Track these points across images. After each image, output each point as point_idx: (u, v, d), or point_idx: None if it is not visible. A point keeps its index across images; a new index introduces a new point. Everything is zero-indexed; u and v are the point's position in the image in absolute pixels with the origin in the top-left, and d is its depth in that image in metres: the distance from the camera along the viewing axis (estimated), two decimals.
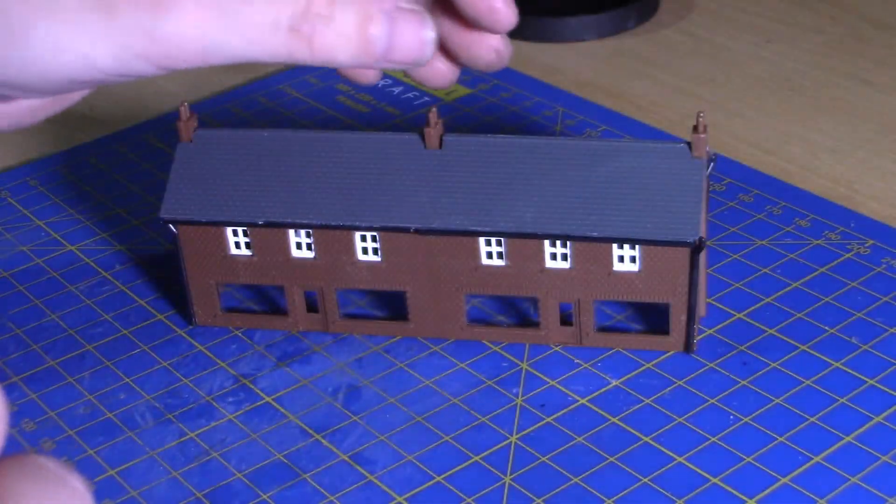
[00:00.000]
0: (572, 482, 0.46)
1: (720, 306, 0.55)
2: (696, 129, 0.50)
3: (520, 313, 0.55)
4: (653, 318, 0.54)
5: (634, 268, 0.51)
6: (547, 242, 0.51)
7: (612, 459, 0.47)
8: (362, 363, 0.53)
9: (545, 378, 0.52)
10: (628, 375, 0.51)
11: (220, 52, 0.45)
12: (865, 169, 0.65)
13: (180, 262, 0.55)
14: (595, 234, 0.50)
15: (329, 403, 0.51)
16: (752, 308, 0.55)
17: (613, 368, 0.52)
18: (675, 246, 0.50)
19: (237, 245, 0.54)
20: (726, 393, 0.50)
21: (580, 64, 0.78)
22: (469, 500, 0.46)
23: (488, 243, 0.52)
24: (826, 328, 0.53)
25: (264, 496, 0.47)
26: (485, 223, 0.51)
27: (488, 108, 0.72)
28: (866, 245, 0.58)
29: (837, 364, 0.51)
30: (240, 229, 0.54)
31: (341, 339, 0.55)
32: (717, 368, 0.51)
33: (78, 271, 0.61)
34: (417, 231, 0.51)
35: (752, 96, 0.73)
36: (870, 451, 0.47)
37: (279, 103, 0.73)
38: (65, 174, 0.69)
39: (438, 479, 0.47)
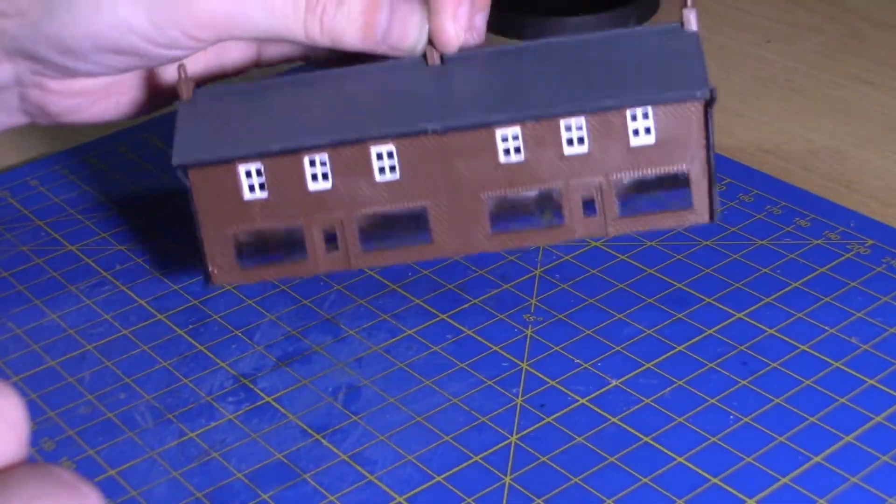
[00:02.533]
0: (572, 482, 0.46)
1: (720, 306, 0.55)
2: (684, 3, 0.52)
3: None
4: (673, 199, 0.53)
5: (651, 140, 0.51)
6: (563, 126, 0.51)
7: (612, 459, 0.47)
8: (362, 363, 0.53)
9: (545, 378, 0.52)
10: (628, 375, 0.51)
11: (248, 24, 0.51)
12: (865, 169, 0.65)
13: (193, 217, 0.53)
14: (610, 104, 0.50)
15: (329, 403, 0.51)
16: (752, 308, 0.55)
17: (613, 368, 0.52)
18: (688, 102, 0.50)
19: (251, 188, 0.53)
20: (726, 393, 0.50)
21: None
22: (469, 500, 0.46)
23: (505, 139, 0.51)
24: (826, 328, 0.53)
25: (264, 496, 0.47)
26: (501, 110, 0.51)
27: None
28: (866, 245, 0.58)
29: (837, 364, 0.51)
30: (253, 169, 0.52)
31: (341, 339, 0.55)
32: (717, 368, 0.51)
33: (78, 271, 0.61)
34: (435, 132, 0.51)
35: (752, 96, 0.73)
36: (870, 451, 0.47)
37: None
38: (65, 174, 0.69)
39: (438, 479, 0.47)
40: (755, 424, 0.48)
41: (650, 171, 0.52)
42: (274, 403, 0.52)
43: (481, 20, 0.53)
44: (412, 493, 0.47)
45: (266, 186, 0.52)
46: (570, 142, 0.51)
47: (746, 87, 0.74)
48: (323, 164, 0.52)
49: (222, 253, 0.53)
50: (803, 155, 0.67)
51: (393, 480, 0.47)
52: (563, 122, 0.51)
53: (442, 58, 0.53)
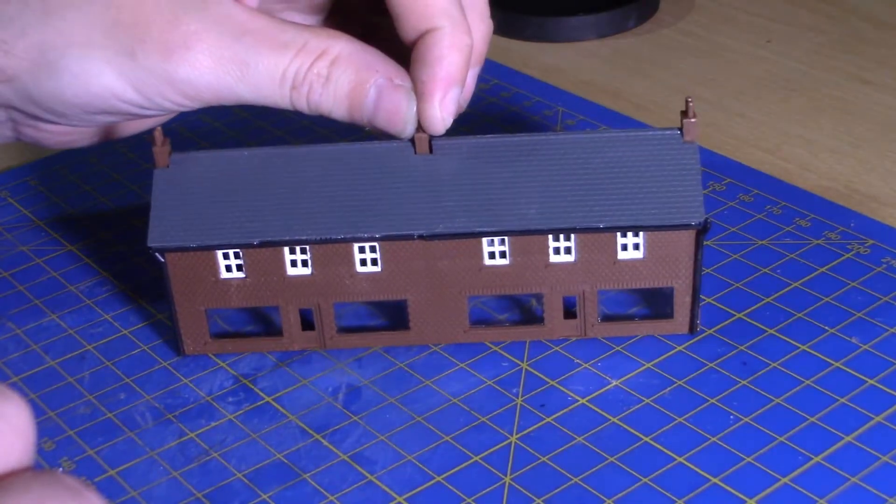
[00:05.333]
0: (572, 482, 0.46)
1: (720, 306, 0.55)
2: (685, 114, 0.51)
3: (521, 307, 0.55)
4: (655, 303, 0.54)
5: (639, 255, 0.51)
6: (551, 237, 0.51)
7: (612, 459, 0.47)
8: (362, 363, 0.53)
9: (545, 378, 0.52)
10: (628, 375, 0.51)
11: (232, 96, 0.50)
12: (865, 169, 0.65)
13: (167, 292, 0.53)
14: (602, 225, 0.50)
15: (329, 403, 0.51)
16: (752, 308, 0.55)
17: (613, 368, 0.52)
18: (682, 229, 0.50)
19: (228, 268, 0.52)
20: (726, 393, 0.50)
21: (580, 64, 0.78)
22: (469, 500, 0.46)
23: (491, 243, 0.51)
24: (826, 328, 0.53)
25: (264, 496, 0.47)
26: (490, 223, 0.50)
27: (488, 108, 0.72)
28: (866, 245, 0.58)
29: (837, 364, 0.51)
30: (231, 253, 0.52)
31: None
32: (717, 368, 0.51)
33: (78, 271, 0.61)
34: (422, 237, 0.51)
35: (752, 96, 0.73)
36: (870, 451, 0.47)
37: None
38: (65, 174, 0.69)
39: (438, 479, 0.47)
40: (755, 424, 0.48)
41: (635, 285, 0.52)
42: (274, 403, 0.52)
43: (464, 95, 0.52)
44: (412, 493, 0.47)
45: (244, 268, 0.52)
46: (556, 251, 0.51)
47: (746, 87, 0.74)
48: (304, 252, 0.51)
49: (196, 327, 0.53)
50: (803, 155, 0.67)
51: (393, 480, 0.47)
52: (551, 236, 0.51)
53: (430, 146, 0.52)
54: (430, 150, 0.52)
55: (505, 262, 0.52)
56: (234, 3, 0.49)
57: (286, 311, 0.53)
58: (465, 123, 0.70)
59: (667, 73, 0.76)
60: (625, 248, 0.51)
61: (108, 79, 0.48)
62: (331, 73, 0.49)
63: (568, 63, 0.78)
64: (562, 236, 0.51)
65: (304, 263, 0.52)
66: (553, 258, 0.51)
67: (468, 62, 0.51)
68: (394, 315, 0.55)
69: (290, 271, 0.52)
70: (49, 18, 0.48)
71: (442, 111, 0.50)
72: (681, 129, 0.51)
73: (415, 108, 0.50)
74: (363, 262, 0.52)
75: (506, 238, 0.51)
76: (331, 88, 0.50)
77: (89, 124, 0.52)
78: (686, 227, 0.50)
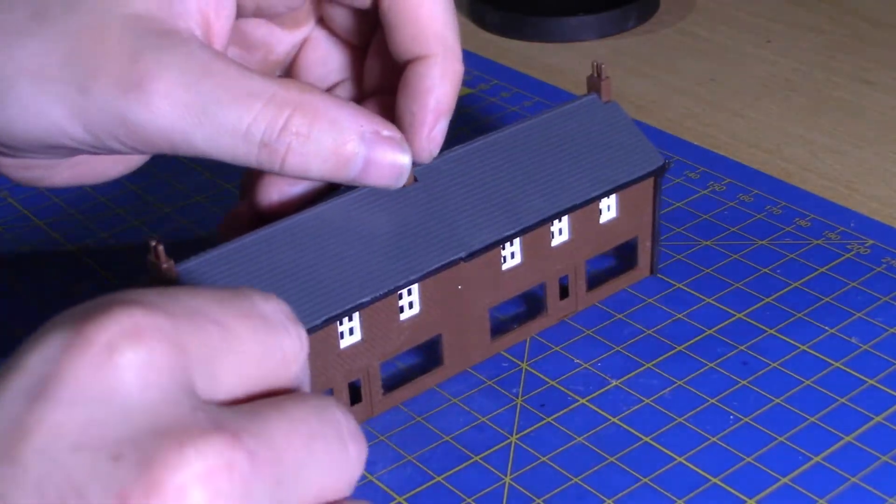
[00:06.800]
0: (572, 482, 0.46)
1: (720, 306, 0.55)
2: (598, 76, 0.55)
3: (524, 301, 0.55)
4: (621, 263, 0.57)
5: (613, 214, 0.54)
6: (553, 222, 0.52)
7: (612, 459, 0.47)
8: None
9: (545, 378, 0.52)
10: (628, 375, 0.51)
11: (187, 146, 0.44)
12: (865, 169, 0.65)
13: None
14: (595, 194, 0.53)
15: None
16: (752, 308, 0.55)
17: (613, 368, 0.52)
18: (648, 178, 0.54)
19: None
20: (726, 393, 0.50)
21: (580, 64, 0.78)
22: (469, 500, 0.46)
23: (504, 248, 0.51)
24: (826, 328, 0.53)
25: None
26: (514, 224, 0.51)
27: (488, 108, 0.72)
28: (866, 245, 0.58)
29: (837, 364, 0.51)
30: None
31: None
32: (717, 368, 0.51)
33: (78, 271, 0.61)
34: (462, 259, 0.50)
35: (752, 96, 0.73)
36: (870, 451, 0.47)
37: None
38: None
39: (438, 479, 0.47)
40: (755, 424, 0.48)
41: (613, 245, 0.55)
42: None
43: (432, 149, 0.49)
44: (412, 493, 0.47)
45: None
46: (552, 234, 0.53)
47: (746, 87, 0.74)
48: (350, 319, 0.48)
49: None
50: (803, 155, 0.67)
51: (393, 480, 0.47)
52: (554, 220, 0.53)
53: (415, 176, 0.50)
54: (415, 179, 0.50)
55: (517, 261, 0.52)
56: (201, 44, 0.44)
57: (339, 390, 0.49)
58: (465, 123, 0.70)
59: (667, 73, 0.76)
60: (601, 212, 0.54)
61: (57, 114, 0.44)
62: (310, 132, 0.44)
63: (568, 63, 0.78)
64: (556, 219, 0.52)
65: (351, 332, 0.48)
66: (552, 242, 0.53)
67: (458, 90, 0.49)
68: (428, 360, 0.53)
69: (343, 344, 0.48)
70: (7, 46, 0.44)
71: (430, 144, 0.48)
72: (597, 92, 0.55)
73: (409, 160, 0.46)
74: (402, 309, 0.49)
75: (519, 241, 0.52)
76: (311, 147, 0.44)
77: (44, 158, 0.47)
78: (652, 173, 0.54)
